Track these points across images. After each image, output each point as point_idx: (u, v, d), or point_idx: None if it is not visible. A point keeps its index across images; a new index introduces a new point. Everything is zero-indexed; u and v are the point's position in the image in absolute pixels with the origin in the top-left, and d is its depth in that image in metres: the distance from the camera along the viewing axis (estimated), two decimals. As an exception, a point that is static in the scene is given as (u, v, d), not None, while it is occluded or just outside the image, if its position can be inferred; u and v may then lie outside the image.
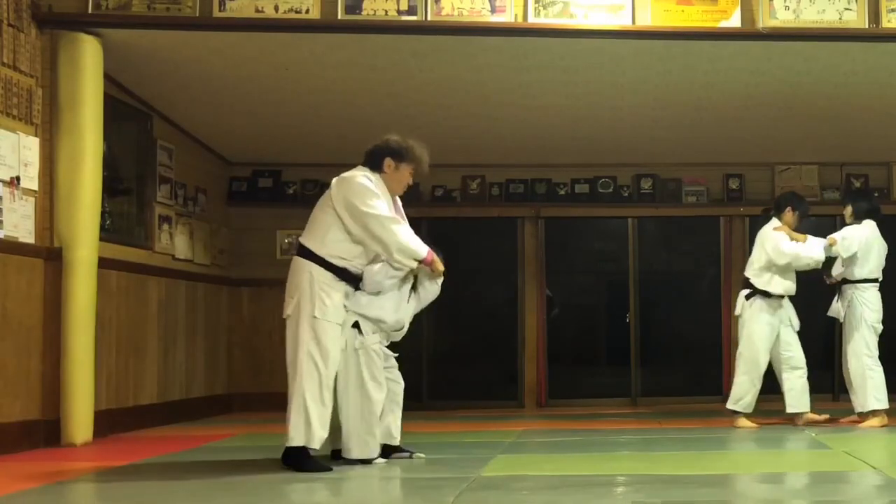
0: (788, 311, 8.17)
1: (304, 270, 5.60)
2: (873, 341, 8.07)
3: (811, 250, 7.99)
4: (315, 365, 5.50)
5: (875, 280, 8.16)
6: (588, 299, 11.57)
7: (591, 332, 11.55)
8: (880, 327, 8.13)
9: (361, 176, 5.71)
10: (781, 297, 8.12)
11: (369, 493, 5.06)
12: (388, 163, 5.82)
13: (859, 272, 8.12)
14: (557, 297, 11.04)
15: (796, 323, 8.18)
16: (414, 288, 5.98)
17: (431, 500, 4.64)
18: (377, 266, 5.75)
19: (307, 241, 5.68)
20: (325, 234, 5.62)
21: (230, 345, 10.40)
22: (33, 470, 5.72)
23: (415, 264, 5.73)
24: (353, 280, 5.70)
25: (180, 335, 9.18)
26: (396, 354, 6.05)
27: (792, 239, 8.05)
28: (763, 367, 8.07)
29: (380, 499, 4.91)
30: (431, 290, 6.02)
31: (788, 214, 8.18)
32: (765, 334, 8.06)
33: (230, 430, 8.14)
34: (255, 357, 10.33)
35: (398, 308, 5.87)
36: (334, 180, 5.76)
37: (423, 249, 5.72)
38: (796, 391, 8.09)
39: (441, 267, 5.86)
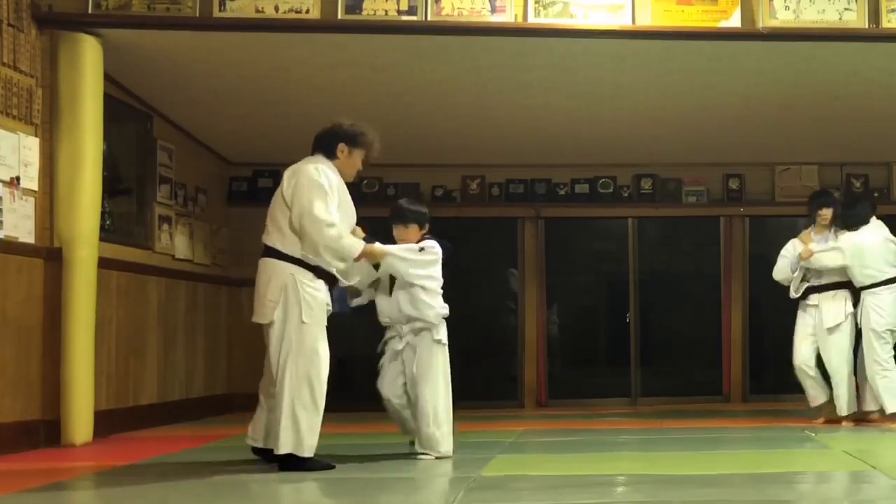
0: (821, 312, 8.20)
1: (282, 273, 5.49)
2: (882, 345, 8.02)
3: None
4: (307, 371, 5.43)
5: (887, 282, 8.08)
6: (588, 299, 11.57)
7: (591, 332, 11.55)
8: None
9: (313, 169, 5.59)
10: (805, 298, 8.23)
11: (369, 492, 5.06)
12: (342, 148, 5.76)
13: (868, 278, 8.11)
14: (558, 297, 11.04)
15: (823, 325, 8.18)
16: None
17: (431, 500, 4.64)
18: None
19: (275, 241, 5.55)
20: (294, 233, 5.52)
21: (230, 345, 10.40)
22: (33, 470, 5.72)
23: (341, 265, 5.61)
24: (327, 277, 5.61)
25: (180, 335, 9.18)
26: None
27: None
28: (804, 368, 8.17)
29: (380, 498, 4.90)
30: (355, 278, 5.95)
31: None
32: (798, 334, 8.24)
33: (230, 430, 8.13)
34: (255, 357, 10.19)
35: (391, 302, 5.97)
36: (286, 172, 5.67)
37: (354, 249, 5.60)
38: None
39: (377, 251, 5.77)
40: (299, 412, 5.41)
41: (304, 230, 5.48)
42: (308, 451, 5.45)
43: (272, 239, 5.59)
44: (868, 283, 8.04)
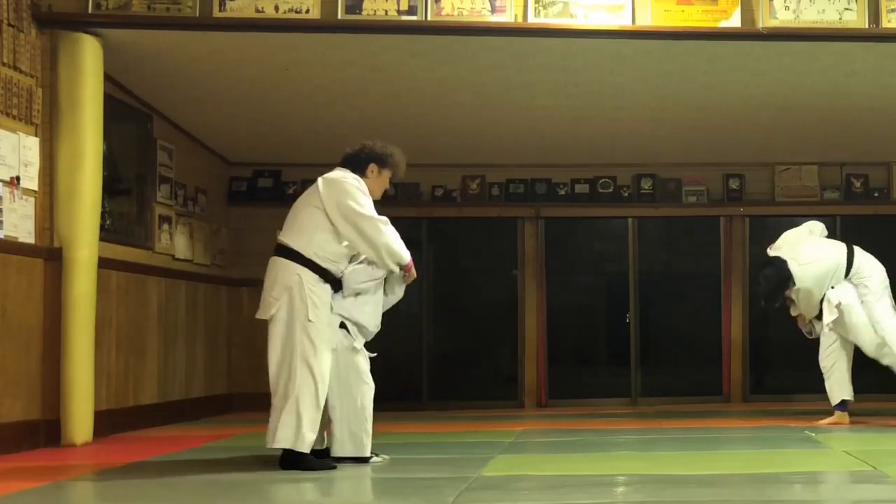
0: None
1: (291, 272, 5.57)
2: (831, 337, 8.15)
3: None
4: (310, 369, 5.48)
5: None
6: (588, 299, 11.57)
7: (591, 332, 11.56)
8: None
9: (352, 178, 5.74)
10: None
11: (369, 492, 5.06)
12: (372, 168, 5.87)
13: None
14: (558, 297, 11.04)
15: None
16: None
17: (431, 500, 4.64)
18: (359, 267, 5.80)
19: (292, 240, 5.64)
20: (312, 235, 5.61)
21: (230, 345, 10.40)
22: (33, 469, 5.72)
23: (397, 269, 5.75)
24: (334, 282, 5.71)
25: (180, 335, 9.18)
26: (374, 355, 6.06)
27: None
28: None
29: (380, 498, 4.90)
30: (398, 293, 6.04)
31: None
32: None
33: (230, 430, 8.14)
34: (255, 357, 10.27)
35: (376, 313, 5.93)
36: (321, 180, 5.74)
37: (407, 255, 5.76)
38: None
39: (415, 274, 5.89)
40: (303, 409, 5.46)
41: (363, 233, 5.60)
42: (306, 447, 5.50)
43: (289, 237, 5.68)
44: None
